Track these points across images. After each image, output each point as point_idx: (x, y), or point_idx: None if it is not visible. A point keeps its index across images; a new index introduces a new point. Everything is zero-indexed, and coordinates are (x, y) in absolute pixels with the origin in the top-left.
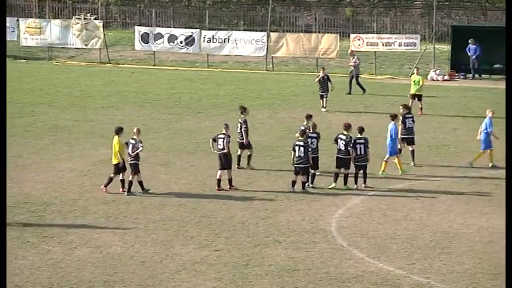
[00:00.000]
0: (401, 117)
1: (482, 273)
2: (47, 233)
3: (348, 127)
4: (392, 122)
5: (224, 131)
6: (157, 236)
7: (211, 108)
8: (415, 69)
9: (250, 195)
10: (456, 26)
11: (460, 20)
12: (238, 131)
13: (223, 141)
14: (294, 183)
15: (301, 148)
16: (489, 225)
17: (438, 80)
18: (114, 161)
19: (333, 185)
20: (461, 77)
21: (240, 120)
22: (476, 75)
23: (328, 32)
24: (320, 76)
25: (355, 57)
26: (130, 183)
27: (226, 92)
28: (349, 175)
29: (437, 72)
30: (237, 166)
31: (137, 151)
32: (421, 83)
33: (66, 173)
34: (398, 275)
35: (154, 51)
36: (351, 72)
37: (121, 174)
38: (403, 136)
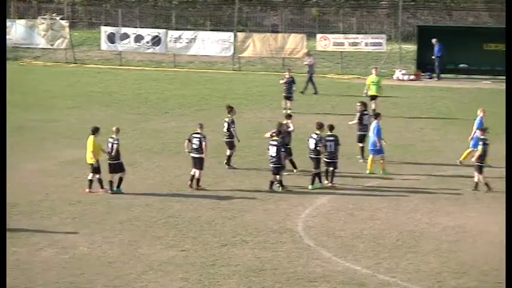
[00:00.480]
0: (358, 114)
1: (448, 272)
2: (12, 234)
3: (320, 126)
4: (376, 121)
5: (199, 131)
6: (124, 236)
7: (178, 108)
8: (374, 69)
9: (217, 195)
10: (422, 26)
11: (426, 20)
12: (226, 130)
13: (199, 141)
14: (281, 182)
15: (274, 148)
16: (455, 224)
17: (404, 80)
18: (90, 161)
19: (319, 184)
20: (427, 76)
21: (227, 119)
22: (440, 75)
23: (294, 32)
24: (285, 78)
25: (311, 56)
26: (121, 179)
27: (192, 92)
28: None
29: (403, 72)
30: (227, 166)
31: (114, 149)
32: (380, 84)
33: (32, 174)
34: (365, 274)
35: (120, 51)
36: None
37: (98, 174)
38: (359, 133)
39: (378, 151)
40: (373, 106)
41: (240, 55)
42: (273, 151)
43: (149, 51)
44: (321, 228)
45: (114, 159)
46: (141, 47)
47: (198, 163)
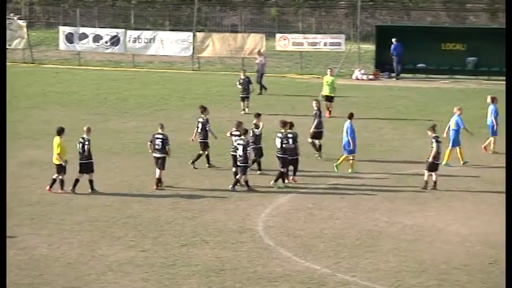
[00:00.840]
0: (316, 112)
1: (407, 271)
2: None
3: (284, 124)
4: (349, 121)
5: (160, 131)
6: (83, 237)
7: (137, 108)
8: (329, 70)
9: (177, 195)
10: (380, 26)
11: (384, 20)
12: (199, 130)
13: (161, 142)
14: (246, 182)
15: (241, 147)
16: (414, 223)
17: (363, 80)
18: (56, 161)
19: (282, 184)
20: (386, 76)
21: (201, 119)
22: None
23: (254, 32)
24: (241, 79)
25: (262, 56)
26: (91, 181)
27: (152, 92)
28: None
29: (362, 71)
30: (207, 165)
31: (86, 149)
32: (334, 85)
33: None
34: (325, 273)
35: (79, 51)
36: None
37: (62, 175)
38: (316, 130)
39: (351, 151)
40: (328, 107)
41: (199, 55)
42: (240, 150)
43: (108, 51)
44: (281, 228)
45: (85, 158)
46: (99, 47)
47: (160, 163)
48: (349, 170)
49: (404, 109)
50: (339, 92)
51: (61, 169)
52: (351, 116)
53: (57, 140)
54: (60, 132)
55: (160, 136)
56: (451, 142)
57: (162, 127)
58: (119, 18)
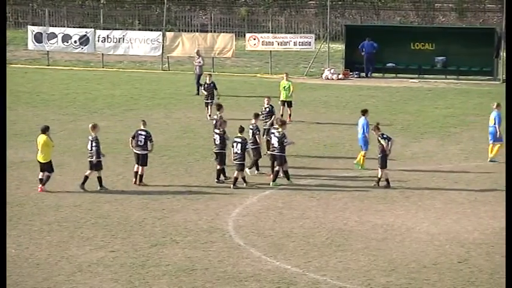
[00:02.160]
0: (265, 108)
1: (377, 270)
2: None
3: (282, 123)
4: (363, 117)
5: (142, 127)
6: (52, 237)
7: (107, 108)
8: (284, 74)
9: (146, 195)
10: (350, 25)
11: (354, 20)
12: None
13: (144, 138)
14: (236, 179)
15: (239, 145)
16: (383, 223)
17: (333, 79)
18: (42, 160)
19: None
20: (355, 75)
21: (251, 126)
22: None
23: (223, 32)
24: (206, 83)
25: (200, 57)
26: (99, 178)
27: (121, 92)
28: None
29: (332, 71)
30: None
31: (94, 147)
32: (291, 89)
33: None
34: (295, 273)
35: (48, 51)
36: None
37: (49, 172)
38: (268, 128)
39: (366, 146)
40: (289, 111)
41: (169, 55)
42: (237, 148)
43: (77, 50)
44: (251, 228)
45: (91, 156)
46: (68, 47)
47: (142, 159)
48: (359, 167)
49: (373, 108)
50: (309, 91)
51: (49, 167)
52: (364, 112)
53: (43, 138)
54: (45, 130)
55: (144, 133)
56: (491, 137)
57: (144, 123)
58: (88, 18)
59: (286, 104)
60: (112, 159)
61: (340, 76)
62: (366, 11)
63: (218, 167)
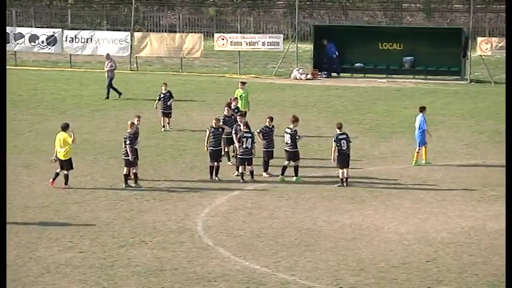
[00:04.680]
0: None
1: (345, 270)
2: None
3: (295, 120)
4: (421, 114)
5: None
6: (20, 238)
7: (75, 108)
8: (240, 83)
9: (115, 195)
10: (318, 25)
11: (322, 20)
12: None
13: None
14: (242, 175)
15: (249, 139)
16: (352, 222)
17: (301, 79)
18: (62, 156)
19: (280, 177)
20: (324, 75)
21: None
22: (335, 74)
23: (192, 32)
24: (162, 93)
25: (111, 60)
26: (127, 176)
27: (90, 92)
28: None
29: (300, 71)
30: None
31: (128, 146)
32: (248, 98)
33: None
34: (264, 273)
35: (15, 51)
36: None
37: (68, 170)
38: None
39: (422, 143)
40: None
41: (137, 55)
42: (248, 143)
43: (44, 51)
44: (220, 228)
45: (125, 154)
46: (36, 47)
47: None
48: (423, 161)
49: (342, 108)
50: (278, 91)
51: (69, 165)
52: (422, 109)
53: (63, 135)
54: (66, 127)
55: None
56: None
57: (139, 118)
58: (55, 18)
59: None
60: (80, 159)
61: (309, 76)
62: (334, 11)
63: (216, 164)
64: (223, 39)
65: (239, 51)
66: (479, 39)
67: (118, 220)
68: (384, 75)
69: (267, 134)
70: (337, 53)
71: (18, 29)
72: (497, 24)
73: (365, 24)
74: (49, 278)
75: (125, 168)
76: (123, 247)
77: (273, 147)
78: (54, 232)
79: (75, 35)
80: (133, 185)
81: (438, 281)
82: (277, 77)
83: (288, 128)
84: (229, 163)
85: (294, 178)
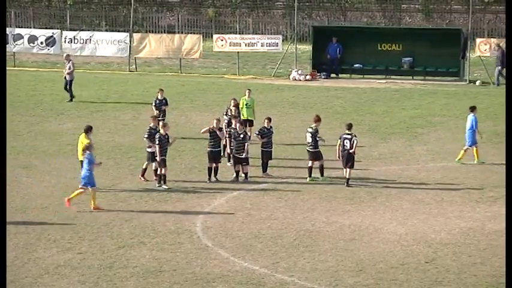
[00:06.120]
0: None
1: (344, 270)
2: None
3: (318, 119)
4: (472, 114)
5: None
6: (19, 240)
7: (74, 109)
8: (247, 91)
9: (114, 196)
10: (317, 26)
11: (321, 21)
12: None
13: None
14: (237, 173)
15: (242, 135)
16: (351, 223)
17: (300, 80)
18: (81, 158)
19: (308, 179)
20: (323, 76)
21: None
22: (334, 75)
23: (191, 33)
24: (157, 99)
25: (70, 62)
26: (161, 176)
27: (88, 94)
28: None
29: (299, 72)
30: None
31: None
32: (253, 107)
33: None
34: (263, 273)
35: (14, 52)
36: (65, 78)
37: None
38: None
39: (472, 142)
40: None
41: (136, 56)
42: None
43: (43, 52)
44: (219, 229)
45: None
46: (35, 48)
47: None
48: (475, 161)
49: (341, 109)
50: (277, 92)
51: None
52: (473, 109)
53: (81, 137)
54: (88, 130)
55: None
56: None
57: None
58: (54, 19)
59: (248, 124)
60: (79, 161)
61: (308, 77)
62: (333, 12)
63: (214, 165)
64: (222, 40)
65: (238, 52)
66: (478, 40)
67: (117, 221)
68: (383, 76)
69: (266, 134)
70: (339, 54)
71: (17, 30)
72: (496, 25)
73: (364, 25)
74: (48, 279)
75: (162, 169)
76: (122, 248)
77: (271, 148)
78: (53, 233)
79: (74, 36)
80: (165, 186)
81: (437, 282)
82: (276, 77)
83: (310, 127)
84: (229, 164)
85: (320, 178)
